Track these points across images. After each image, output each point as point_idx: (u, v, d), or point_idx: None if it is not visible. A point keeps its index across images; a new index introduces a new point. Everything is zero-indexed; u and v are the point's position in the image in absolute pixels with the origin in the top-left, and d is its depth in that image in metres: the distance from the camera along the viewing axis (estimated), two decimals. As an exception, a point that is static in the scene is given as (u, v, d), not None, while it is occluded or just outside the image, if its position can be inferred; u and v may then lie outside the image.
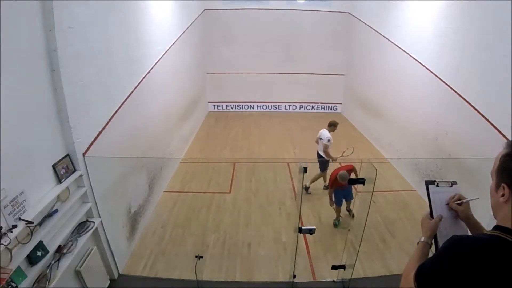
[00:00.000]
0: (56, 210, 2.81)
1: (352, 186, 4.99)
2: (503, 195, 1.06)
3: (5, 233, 2.19)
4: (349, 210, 5.16)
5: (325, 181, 5.96)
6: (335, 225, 4.94)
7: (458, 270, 1.02)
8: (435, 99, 5.67)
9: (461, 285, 1.01)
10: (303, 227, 3.42)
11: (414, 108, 6.39)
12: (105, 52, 3.64)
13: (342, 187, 4.64)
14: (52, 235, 2.83)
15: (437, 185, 1.42)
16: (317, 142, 5.89)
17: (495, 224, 1.10)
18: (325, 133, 5.67)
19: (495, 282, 0.98)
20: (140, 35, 4.78)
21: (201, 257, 3.68)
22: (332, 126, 5.79)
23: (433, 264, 1.11)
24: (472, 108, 4.62)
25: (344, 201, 4.97)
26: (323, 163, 5.73)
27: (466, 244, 1.06)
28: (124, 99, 4.17)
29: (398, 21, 7.19)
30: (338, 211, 4.95)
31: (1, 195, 2.18)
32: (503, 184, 1.05)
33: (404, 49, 6.85)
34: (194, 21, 8.78)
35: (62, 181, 2.90)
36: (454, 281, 1.02)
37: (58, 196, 2.86)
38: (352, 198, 5.05)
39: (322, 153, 5.70)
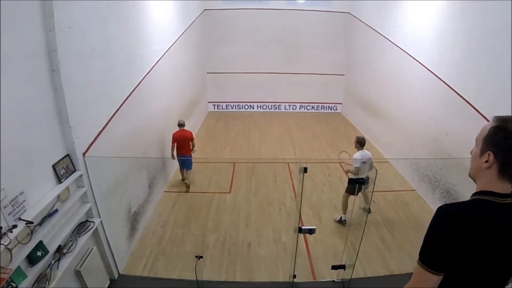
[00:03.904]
0: (56, 210, 2.81)
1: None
2: (486, 161, 1.15)
3: (5, 233, 2.18)
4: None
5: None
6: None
7: (452, 238, 1.12)
8: (435, 99, 5.67)
9: (459, 250, 1.11)
10: (303, 227, 3.42)
11: (414, 108, 6.39)
12: (105, 52, 3.64)
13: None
14: (52, 235, 2.83)
15: None
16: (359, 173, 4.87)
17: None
18: (365, 152, 4.89)
19: (486, 240, 1.10)
20: (140, 35, 4.78)
21: (201, 257, 3.68)
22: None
23: (429, 242, 1.19)
24: (472, 108, 4.62)
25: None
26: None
27: (451, 213, 1.16)
28: (124, 99, 4.17)
29: (398, 21, 7.20)
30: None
31: (1, 195, 2.18)
32: (488, 152, 1.14)
33: (404, 49, 6.85)
34: (194, 21, 8.78)
35: (62, 181, 2.90)
36: (453, 249, 1.11)
37: (58, 196, 2.86)
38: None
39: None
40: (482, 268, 1.13)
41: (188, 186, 6.03)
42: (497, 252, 1.11)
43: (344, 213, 4.96)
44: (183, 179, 6.15)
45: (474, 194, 1.19)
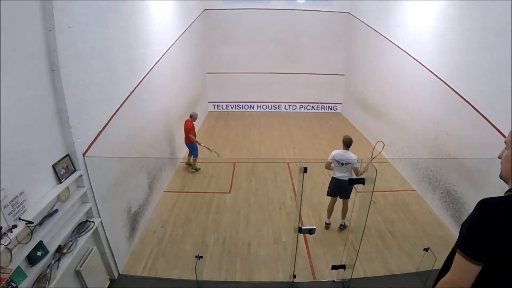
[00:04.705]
0: (56, 210, 2.81)
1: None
2: None
3: (5, 233, 2.18)
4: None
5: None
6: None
7: (495, 228, 1.15)
8: (435, 99, 5.67)
9: (502, 241, 1.15)
10: (303, 227, 3.42)
11: (414, 108, 6.39)
12: (105, 52, 3.64)
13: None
14: (52, 235, 2.83)
15: None
16: (329, 167, 4.72)
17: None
18: (349, 155, 4.53)
19: None
20: (140, 35, 4.78)
21: (201, 257, 3.68)
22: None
23: (471, 232, 1.22)
24: (472, 108, 4.62)
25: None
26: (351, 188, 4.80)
27: (494, 205, 1.20)
28: (124, 99, 4.17)
29: (398, 21, 7.20)
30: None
31: (1, 195, 2.18)
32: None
33: (404, 49, 6.85)
34: (194, 21, 8.78)
35: (62, 181, 2.90)
36: (495, 239, 1.16)
37: (58, 196, 2.86)
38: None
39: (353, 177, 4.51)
40: None
41: (194, 168, 6.82)
42: None
43: (328, 217, 4.91)
44: (186, 162, 6.97)
45: (508, 191, 1.25)
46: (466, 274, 1.21)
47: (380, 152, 4.29)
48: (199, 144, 6.60)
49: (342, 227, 4.86)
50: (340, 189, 4.67)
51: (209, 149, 6.67)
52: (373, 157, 4.08)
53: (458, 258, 1.23)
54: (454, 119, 5.11)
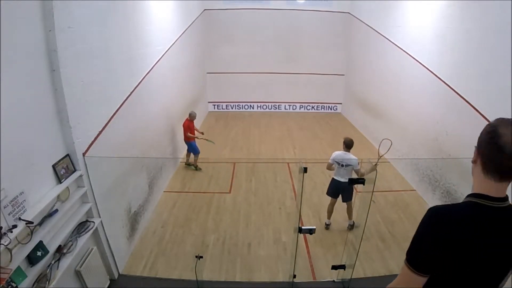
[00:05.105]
0: (56, 210, 2.81)
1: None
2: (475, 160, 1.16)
3: (5, 233, 2.18)
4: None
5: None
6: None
7: (439, 240, 1.10)
8: (435, 99, 5.67)
9: (446, 253, 1.10)
10: (303, 227, 3.42)
11: (414, 108, 6.39)
12: (105, 52, 3.64)
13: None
14: (52, 235, 2.83)
15: None
16: (330, 168, 4.69)
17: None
18: (349, 156, 4.47)
19: (474, 244, 1.08)
20: (140, 35, 4.78)
21: (201, 257, 3.68)
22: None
23: (416, 243, 1.18)
24: (472, 108, 4.62)
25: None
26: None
27: (440, 215, 1.14)
28: (124, 99, 4.17)
29: (398, 21, 7.19)
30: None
31: (1, 195, 2.18)
32: (475, 148, 1.18)
33: (404, 49, 6.85)
34: (194, 21, 8.78)
35: (62, 181, 2.90)
36: (440, 252, 1.10)
37: (58, 196, 2.86)
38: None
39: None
40: (468, 273, 1.12)
41: (195, 166, 6.92)
42: (484, 257, 1.10)
43: (328, 218, 4.90)
44: (186, 163, 7.07)
45: (467, 196, 1.18)
46: (410, 284, 1.18)
47: (388, 150, 4.23)
48: (197, 138, 6.74)
49: (351, 227, 4.81)
50: (339, 191, 4.66)
51: (206, 139, 6.86)
52: (380, 155, 4.06)
53: (403, 266, 1.20)
54: (454, 119, 5.10)
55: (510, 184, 1.13)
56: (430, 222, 1.15)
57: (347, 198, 4.70)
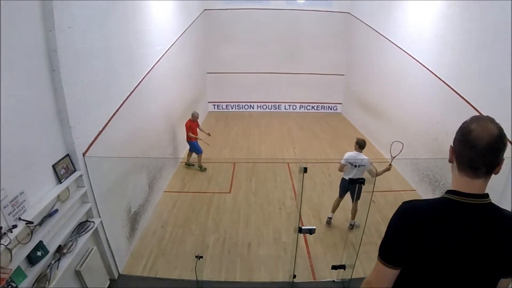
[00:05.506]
0: (56, 210, 2.81)
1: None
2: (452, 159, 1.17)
3: (5, 233, 2.18)
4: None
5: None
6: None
7: (408, 234, 1.12)
8: (435, 99, 5.67)
9: (416, 247, 1.11)
10: (303, 227, 3.43)
11: (414, 108, 6.39)
12: (105, 52, 3.64)
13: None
14: (52, 235, 2.83)
15: None
16: (342, 170, 4.67)
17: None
18: (362, 156, 4.49)
19: (445, 240, 1.08)
20: (140, 35, 4.78)
21: (201, 257, 3.68)
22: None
23: (386, 236, 1.20)
24: (472, 108, 4.62)
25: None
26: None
27: (411, 210, 1.17)
28: (124, 99, 4.17)
29: (398, 21, 7.20)
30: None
31: (1, 195, 2.18)
32: (450, 147, 1.19)
33: (404, 49, 6.85)
34: (194, 21, 8.78)
35: (62, 181, 2.90)
36: (409, 245, 1.12)
37: (58, 196, 2.85)
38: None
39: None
40: (437, 267, 1.12)
41: (199, 166, 6.93)
42: (451, 251, 1.09)
43: (332, 212, 4.94)
44: (186, 163, 7.08)
45: (445, 193, 1.18)
46: (381, 277, 1.20)
47: (400, 151, 4.29)
48: (199, 139, 6.75)
49: (352, 226, 4.83)
50: (349, 189, 4.69)
51: (204, 142, 6.87)
52: (393, 157, 4.17)
53: (377, 259, 1.22)
54: (454, 119, 5.10)
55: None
56: (399, 216, 1.18)
57: (357, 197, 4.71)
